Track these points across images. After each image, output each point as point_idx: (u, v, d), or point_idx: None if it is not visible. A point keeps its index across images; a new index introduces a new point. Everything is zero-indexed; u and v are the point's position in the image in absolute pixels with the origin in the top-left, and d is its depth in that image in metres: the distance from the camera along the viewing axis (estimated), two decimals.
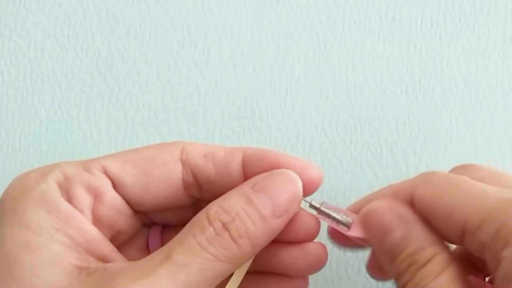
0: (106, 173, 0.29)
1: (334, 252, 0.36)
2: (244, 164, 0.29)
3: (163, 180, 0.29)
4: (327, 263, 0.36)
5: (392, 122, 0.38)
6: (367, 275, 0.36)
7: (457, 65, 0.38)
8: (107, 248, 0.28)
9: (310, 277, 0.36)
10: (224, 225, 0.27)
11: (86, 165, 0.29)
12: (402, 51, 0.38)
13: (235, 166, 0.29)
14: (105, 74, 0.40)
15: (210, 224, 0.27)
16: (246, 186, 0.28)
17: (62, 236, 0.27)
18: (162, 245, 0.29)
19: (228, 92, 0.39)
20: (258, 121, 0.38)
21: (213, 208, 0.27)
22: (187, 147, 0.30)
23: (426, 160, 0.37)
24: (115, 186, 0.29)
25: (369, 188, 0.37)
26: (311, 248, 0.30)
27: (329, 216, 0.29)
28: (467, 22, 0.38)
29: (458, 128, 0.37)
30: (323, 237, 0.30)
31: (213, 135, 0.38)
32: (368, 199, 0.29)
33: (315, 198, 0.29)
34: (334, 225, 0.29)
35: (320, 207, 0.29)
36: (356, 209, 0.29)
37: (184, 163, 0.30)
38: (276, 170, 0.28)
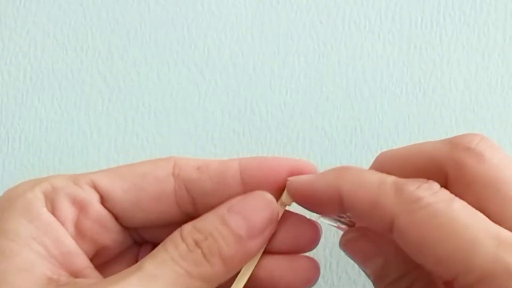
0: (95, 187, 0.29)
1: (334, 252, 0.36)
2: (242, 172, 0.29)
3: (155, 195, 0.29)
4: (327, 263, 0.36)
5: (392, 122, 0.38)
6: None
7: (457, 65, 0.38)
8: (82, 263, 0.27)
9: None
10: (196, 243, 0.27)
11: (75, 179, 0.29)
12: (402, 51, 0.38)
13: (233, 174, 0.29)
14: (105, 74, 0.40)
15: (183, 240, 0.27)
16: (222, 208, 0.28)
17: (38, 246, 0.26)
18: None
19: (228, 92, 0.39)
20: (258, 121, 0.38)
21: (188, 227, 0.27)
22: (179, 162, 0.29)
23: None
24: (103, 201, 0.29)
25: None
26: (302, 262, 0.29)
27: (332, 217, 0.29)
28: (467, 22, 0.38)
29: (458, 128, 0.37)
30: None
31: (213, 135, 0.38)
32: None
33: None
34: (338, 226, 0.29)
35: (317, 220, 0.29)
36: None
37: (176, 177, 0.29)
38: (252, 192, 0.28)
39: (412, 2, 0.39)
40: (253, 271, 0.29)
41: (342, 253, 0.36)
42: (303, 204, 0.28)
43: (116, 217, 0.29)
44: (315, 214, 0.29)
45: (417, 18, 0.39)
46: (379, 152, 0.36)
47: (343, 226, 0.29)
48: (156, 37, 0.40)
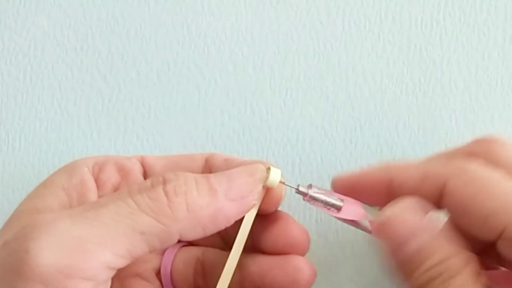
0: (142, 161, 0.32)
1: (334, 252, 0.36)
2: None
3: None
4: (327, 263, 0.36)
5: (392, 122, 0.38)
6: (367, 275, 0.36)
7: (457, 65, 0.38)
8: None
9: None
10: (164, 181, 0.25)
11: (129, 156, 0.32)
12: (402, 51, 0.38)
13: None
14: (105, 74, 0.40)
15: (151, 178, 0.26)
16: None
17: (63, 195, 0.29)
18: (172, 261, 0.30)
19: (228, 92, 0.39)
20: (258, 121, 0.38)
21: (168, 172, 0.27)
22: (216, 153, 0.32)
23: None
24: (145, 174, 0.31)
25: None
26: (293, 262, 0.29)
27: (318, 199, 0.29)
28: (467, 22, 0.38)
29: (458, 128, 0.37)
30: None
31: (213, 135, 0.38)
32: (390, 170, 0.29)
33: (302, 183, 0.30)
34: (324, 209, 0.29)
35: (308, 192, 0.29)
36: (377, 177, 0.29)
37: (206, 161, 0.31)
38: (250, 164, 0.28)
39: (412, 2, 0.39)
40: (243, 268, 0.28)
41: (342, 253, 0.36)
42: (347, 193, 0.29)
43: None
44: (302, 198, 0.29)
45: (417, 18, 0.39)
46: (379, 152, 0.36)
47: (331, 209, 0.29)
48: (156, 37, 0.40)
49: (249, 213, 0.28)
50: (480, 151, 0.28)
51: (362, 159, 0.37)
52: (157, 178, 0.26)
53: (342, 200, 0.29)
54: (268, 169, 0.28)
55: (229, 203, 0.26)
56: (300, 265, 0.29)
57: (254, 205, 0.28)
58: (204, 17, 0.40)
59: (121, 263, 0.25)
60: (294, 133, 0.38)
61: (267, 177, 0.28)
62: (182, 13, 0.40)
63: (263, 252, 0.29)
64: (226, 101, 0.39)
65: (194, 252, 0.31)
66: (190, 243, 0.31)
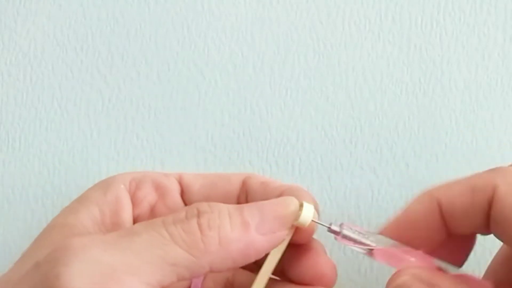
0: (180, 180, 0.32)
1: (334, 252, 0.36)
2: (281, 195, 0.29)
3: (224, 193, 0.31)
4: None
5: (392, 122, 0.38)
6: (367, 275, 0.36)
7: (457, 65, 0.38)
8: None
9: None
10: (198, 213, 0.25)
11: (167, 173, 0.32)
12: (402, 51, 0.38)
13: (275, 195, 0.29)
14: (105, 74, 0.40)
15: (186, 209, 0.26)
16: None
17: (96, 210, 0.29)
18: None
19: (228, 92, 0.39)
20: (258, 121, 0.38)
21: (203, 202, 0.26)
22: (253, 174, 0.32)
23: (426, 160, 0.37)
24: (183, 193, 0.31)
25: (369, 188, 0.37)
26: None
27: (351, 239, 0.28)
28: (467, 22, 0.38)
29: (458, 128, 0.37)
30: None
31: (213, 135, 0.38)
32: (444, 191, 0.28)
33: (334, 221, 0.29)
34: (355, 247, 0.29)
35: (341, 231, 0.28)
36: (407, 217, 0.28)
37: (243, 183, 0.31)
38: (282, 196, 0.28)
39: (412, 2, 0.39)
40: None
41: (342, 253, 0.36)
42: (400, 240, 0.28)
43: None
44: (333, 235, 0.29)
45: (417, 18, 0.38)
46: (379, 152, 0.36)
47: (362, 250, 0.29)
48: (156, 37, 0.40)
49: (277, 247, 0.27)
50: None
51: (362, 159, 0.37)
52: (192, 209, 0.26)
53: (375, 241, 0.28)
54: (301, 205, 0.28)
55: (260, 237, 0.26)
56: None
57: (284, 240, 0.27)
58: (204, 17, 0.40)
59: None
60: (294, 133, 0.38)
61: (299, 215, 0.27)
62: (182, 13, 0.40)
63: (290, 280, 0.29)
64: (226, 101, 0.39)
65: (224, 272, 0.31)
66: None
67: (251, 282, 0.28)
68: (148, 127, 0.39)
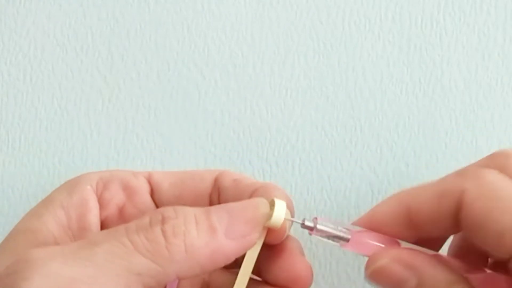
0: (149, 179, 0.31)
1: (334, 252, 0.36)
2: (253, 194, 0.28)
3: (195, 192, 0.30)
4: (327, 263, 0.36)
5: (392, 122, 0.38)
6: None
7: (457, 65, 0.38)
8: None
9: None
10: (162, 219, 0.24)
11: (136, 172, 0.31)
12: (402, 51, 0.38)
13: (248, 193, 0.28)
14: (105, 74, 0.40)
15: (151, 215, 0.25)
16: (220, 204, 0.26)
17: (62, 214, 0.28)
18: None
19: (228, 92, 0.39)
20: (258, 121, 0.38)
21: (168, 207, 0.25)
22: (225, 171, 0.31)
23: (426, 160, 0.37)
24: (153, 193, 0.30)
25: (369, 188, 0.37)
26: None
27: (325, 233, 0.27)
28: (467, 22, 0.38)
29: (458, 128, 0.37)
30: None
31: (213, 135, 0.38)
32: (411, 194, 0.28)
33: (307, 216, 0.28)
34: (332, 242, 0.28)
35: (315, 226, 0.27)
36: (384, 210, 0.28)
37: (215, 182, 0.30)
38: (252, 198, 0.27)
39: (412, 2, 0.39)
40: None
41: (342, 253, 0.36)
42: (374, 229, 0.28)
43: None
44: (307, 231, 0.28)
45: (417, 18, 0.38)
46: (379, 152, 0.36)
47: (338, 241, 0.28)
48: (156, 37, 0.40)
49: (251, 249, 0.26)
50: (495, 165, 0.27)
51: (362, 159, 0.37)
52: (156, 215, 0.25)
53: (349, 231, 0.28)
54: (272, 202, 0.27)
55: (229, 242, 0.25)
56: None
57: (255, 243, 0.26)
58: (204, 17, 0.40)
59: None
60: (294, 133, 0.38)
61: (270, 215, 0.26)
62: (182, 13, 0.40)
63: (266, 282, 0.29)
64: (226, 101, 0.39)
65: None
66: None
67: (228, 281, 0.28)
68: (148, 127, 0.39)
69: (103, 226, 0.30)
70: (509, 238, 0.23)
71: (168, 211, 0.25)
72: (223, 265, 0.25)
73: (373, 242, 0.27)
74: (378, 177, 0.37)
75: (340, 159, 0.37)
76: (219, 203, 0.29)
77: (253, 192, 0.28)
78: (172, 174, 0.31)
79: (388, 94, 0.38)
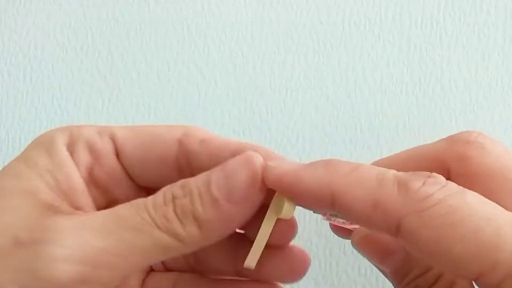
0: (114, 139, 0.30)
1: (334, 252, 0.36)
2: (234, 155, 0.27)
3: (159, 157, 0.29)
4: (327, 263, 0.36)
5: (392, 122, 0.38)
6: (367, 275, 0.36)
7: (457, 65, 0.38)
8: (86, 201, 0.28)
9: (310, 277, 0.36)
10: (173, 198, 0.25)
11: (101, 129, 0.30)
12: (402, 51, 0.38)
13: (226, 156, 0.27)
14: (105, 74, 0.40)
15: (163, 192, 0.26)
16: (215, 168, 0.26)
17: (50, 177, 0.28)
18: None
19: (228, 92, 0.39)
20: (258, 121, 0.38)
21: (178, 182, 0.26)
22: (189, 131, 0.29)
23: None
24: (118, 154, 0.30)
25: None
26: (292, 253, 0.28)
27: (334, 215, 0.28)
28: (467, 22, 0.38)
29: (458, 128, 0.37)
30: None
31: None
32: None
33: None
34: (336, 221, 0.29)
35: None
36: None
37: (180, 145, 0.29)
38: (243, 154, 0.26)
39: (412, 2, 0.39)
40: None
41: (342, 253, 0.36)
42: (287, 196, 0.25)
43: (128, 174, 0.30)
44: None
45: (417, 18, 0.39)
46: (379, 152, 0.36)
47: (341, 221, 0.29)
48: (156, 37, 0.40)
49: (265, 223, 0.26)
50: (451, 157, 0.25)
51: (362, 159, 0.37)
52: (167, 194, 0.26)
53: None
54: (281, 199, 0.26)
55: (233, 207, 0.25)
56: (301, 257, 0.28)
57: (260, 203, 0.26)
58: (204, 17, 0.40)
59: (138, 272, 0.25)
60: (294, 133, 0.38)
61: (281, 209, 0.26)
62: (182, 13, 0.40)
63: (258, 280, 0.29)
64: (226, 101, 0.39)
65: (165, 281, 0.30)
66: (164, 267, 0.31)
67: (197, 285, 0.29)
68: None
69: (118, 205, 0.30)
70: (467, 267, 0.21)
71: (176, 189, 0.26)
72: (238, 228, 0.26)
73: None
74: None
75: (340, 159, 0.37)
76: (189, 168, 0.29)
77: (231, 155, 0.27)
78: (135, 134, 0.30)
79: (388, 94, 0.38)
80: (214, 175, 0.26)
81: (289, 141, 0.38)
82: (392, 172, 0.23)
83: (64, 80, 0.40)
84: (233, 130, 0.38)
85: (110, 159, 0.30)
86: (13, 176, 0.29)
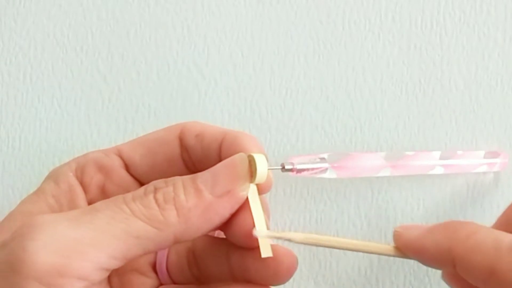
0: (120, 155, 0.31)
1: (334, 252, 0.36)
2: (221, 147, 0.29)
3: (167, 158, 0.31)
4: (327, 263, 0.36)
5: (392, 122, 0.38)
6: (367, 275, 0.36)
7: (457, 65, 0.38)
8: None
9: (310, 277, 0.36)
10: (155, 189, 0.26)
11: (106, 150, 0.32)
12: (402, 51, 0.38)
13: (214, 148, 0.30)
14: (105, 74, 0.40)
15: (144, 187, 0.27)
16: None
17: (54, 202, 0.30)
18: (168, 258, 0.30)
19: (228, 92, 0.39)
20: (258, 121, 0.38)
21: (161, 179, 0.27)
22: (186, 126, 0.31)
23: None
24: (127, 167, 0.31)
25: (369, 188, 0.37)
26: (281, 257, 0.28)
27: (305, 169, 0.30)
28: (467, 22, 0.38)
29: (458, 128, 0.37)
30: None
31: None
32: None
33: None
34: (314, 175, 0.30)
35: (295, 166, 0.30)
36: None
37: (181, 142, 0.31)
38: (230, 158, 0.28)
39: (412, 2, 0.39)
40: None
41: (342, 253, 0.36)
42: (412, 257, 0.27)
43: (140, 182, 0.31)
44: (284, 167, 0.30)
45: (417, 18, 0.38)
46: (379, 152, 0.36)
47: (317, 167, 0.30)
48: (156, 37, 0.40)
49: (251, 195, 0.28)
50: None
51: None
52: (149, 187, 0.27)
53: (325, 160, 0.30)
54: (251, 157, 0.28)
55: (216, 199, 0.27)
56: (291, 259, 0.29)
57: (244, 198, 0.27)
58: (204, 17, 0.40)
59: (114, 264, 0.25)
60: (294, 133, 0.38)
61: (254, 171, 0.27)
62: (182, 13, 0.40)
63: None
64: (226, 101, 0.39)
65: (185, 242, 0.31)
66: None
67: (210, 246, 0.30)
68: (148, 127, 0.39)
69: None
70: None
71: (159, 182, 0.27)
72: (219, 223, 0.27)
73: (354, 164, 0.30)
74: (378, 177, 0.37)
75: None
76: (192, 162, 0.31)
77: (220, 146, 0.29)
78: (139, 144, 0.32)
79: (388, 94, 0.38)
80: (201, 173, 0.27)
81: (289, 141, 0.38)
82: (509, 238, 0.24)
83: (64, 80, 0.40)
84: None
85: (120, 173, 0.31)
86: (22, 203, 0.31)
